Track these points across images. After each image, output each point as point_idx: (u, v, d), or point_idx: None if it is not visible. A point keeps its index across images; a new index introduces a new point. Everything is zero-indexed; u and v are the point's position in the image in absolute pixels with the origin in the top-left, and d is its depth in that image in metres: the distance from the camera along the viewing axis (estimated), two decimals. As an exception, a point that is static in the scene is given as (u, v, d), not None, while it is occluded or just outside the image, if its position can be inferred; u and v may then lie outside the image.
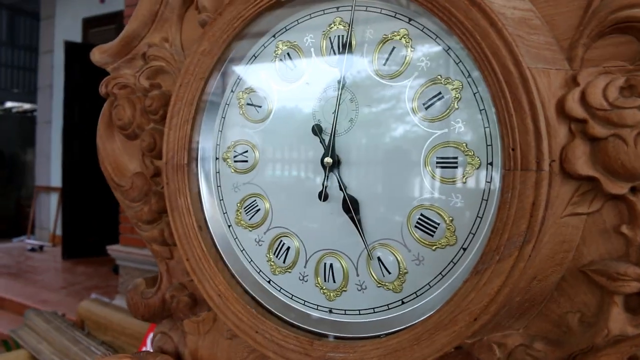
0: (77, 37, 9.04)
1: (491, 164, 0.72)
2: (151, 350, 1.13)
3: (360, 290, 0.84)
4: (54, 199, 9.53)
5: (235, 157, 0.96)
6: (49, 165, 9.55)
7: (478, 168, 0.73)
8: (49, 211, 9.69)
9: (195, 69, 0.93)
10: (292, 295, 0.90)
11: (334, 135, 0.83)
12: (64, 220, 8.23)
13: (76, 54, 7.98)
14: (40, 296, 6.38)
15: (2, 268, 7.79)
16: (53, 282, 7.11)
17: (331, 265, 0.86)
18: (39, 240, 9.76)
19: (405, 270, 0.79)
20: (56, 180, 9.22)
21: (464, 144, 0.74)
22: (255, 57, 0.94)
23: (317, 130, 0.85)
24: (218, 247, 0.96)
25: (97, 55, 1.17)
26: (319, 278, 0.88)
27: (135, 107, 1.10)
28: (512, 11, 0.70)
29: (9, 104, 13.88)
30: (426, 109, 0.77)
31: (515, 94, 0.65)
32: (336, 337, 0.84)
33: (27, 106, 13.32)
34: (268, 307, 0.91)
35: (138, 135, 1.11)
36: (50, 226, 9.64)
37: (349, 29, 0.82)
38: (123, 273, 5.46)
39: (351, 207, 0.82)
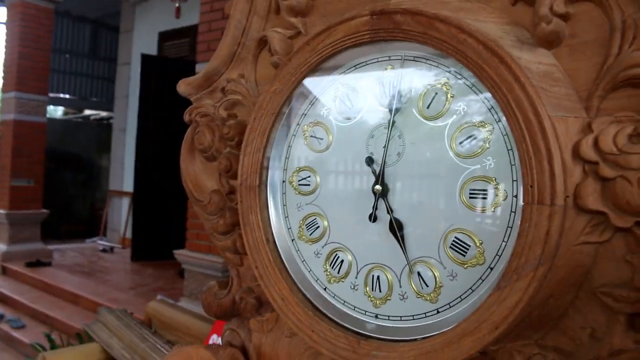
0: (153, 49, 9.56)
1: (516, 196, 0.84)
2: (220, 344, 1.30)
3: (402, 300, 0.97)
4: (125, 203, 10.07)
5: (299, 181, 1.12)
6: (123, 171, 10.13)
7: (505, 200, 0.86)
8: (120, 215, 10.25)
9: (268, 105, 1.10)
10: (345, 301, 1.05)
11: (383, 167, 0.98)
12: (134, 224, 8.68)
13: (152, 66, 8.42)
14: (110, 295, 6.78)
15: (76, 267, 8.32)
16: (122, 282, 7.53)
17: (378, 277, 1.00)
18: (110, 242, 10.32)
19: (440, 284, 0.93)
20: (128, 185, 9.76)
21: (494, 179, 0.87)
22: (319, 96, 1.10)
23: (369, 161, 1.00)
24: (282, 257, 1.12)
25: (183, 87, 1.36)
26: (367, 287, 1.02)
27: (215, 134, 1.28)
28: (537, 66, 0.83)
29: (87, 112, 14.77)
30: (462, 146, 0.90)
31: (535, 140, 0.77)
32: (379, 339, 0.98)
33: (103, 114, 14.14)
34: (323, 310, 1.06)
35: (216, 157, 1.29)
36: (121, 229, 10.19)
37: (399, 77, 0.97)
38: (188, 277, 5.74)
39: (396, 228, 0.96)
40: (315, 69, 1.05)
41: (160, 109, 8.37)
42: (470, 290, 0.89)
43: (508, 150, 0.85)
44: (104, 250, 9.63)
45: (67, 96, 13.25)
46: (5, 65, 8.54)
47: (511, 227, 0.85)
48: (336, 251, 1.07)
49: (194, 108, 1.33)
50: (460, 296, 0.90)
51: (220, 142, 1.28)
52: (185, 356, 1.16)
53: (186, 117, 1.34)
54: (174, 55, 9.37)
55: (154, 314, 4.44)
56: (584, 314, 0.83)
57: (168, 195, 8.47)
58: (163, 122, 8.41)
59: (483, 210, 0.88)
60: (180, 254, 5.73)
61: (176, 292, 6.80)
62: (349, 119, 1.06)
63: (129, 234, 9.50)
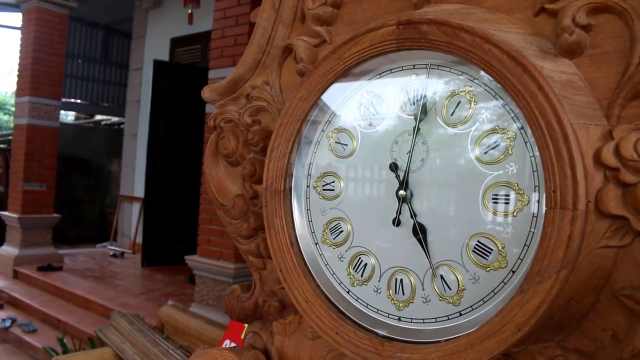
0: (164, 55, 9.65)
1: (538, 201, 0.87)
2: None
3: (425, 303, 1.00)
4: (135, 209, 10.14)
5: (323, 186, 1.15)
6: (133, 176, 10.20)
7: (527, 204, 0.88)
8: (130, 220, 10.31)
9: (294, 112, 1.13)
10: (368, 304, 1.08)
11: (407, 172, 1.01)
12: (144, 230, 8.74)
13: (163, 72, 8.49)
14: (120, 300, 6.83)
15: (86, 271, 8.38)
16: (133, 288, 7.58)
17: (401, 280, 1.03)
18: (121, 247, 10.38)
19: (463, 287, 0.95)
20: (139, 190, 9.83)
21: (516, 184, 0.89)
22: (344, 103, 1.13)
23: (393, 167, 1.03)
24: (306, 261, 1.15)
25: (207, 94, 1.39)
26: (390, 290, 1.04)
27: (239, 139, 1.31)
28: (559, 75, 0.86)
29: (98, 117, 14.90)
30: (485, 153, 0.93)
31: (557, 147, 0.80)
32: (403, 341, 1.00)
33: (114, 119, 14.25)
34: (347, 313, 1.08)
35: (240, 163, 1.32)
36: (131, 234, 10.25)
37: (423, 84, 1.00)
38: (199, 282, 5.78)
39: (420, 232, 0.99)
40: (341, 77, 1.08)
41: (171, 115, 8.44)
42: (493, 293, 0.92)
43: (530, 156, 0.88)
44: (114, 255, 9.68)
45: (79, 101, 13.38)
46: (19, 70, 8.66)
47: (533, 232, 0.87)
48: (359, 255, 1.09)
49: (219, 114, 1.36)
50: (482, 299, 0.93)
51: (245, 147, 1.31)
52: (210, 357, 1.18)
53: (211, 123, 1.37)
54: (186, 61, 9.46)
55: (166, 319, 4.46)
56: (605, 317, 0.85)
57: (178, 201, 8.52)
58: (174, 127, 8.48)
59: (505, 215, 0.90)
60: (191, 259, 5.77)
61: (186, 297, 6.83)
62: (373, 125, 1.09)
63: (139, 239, 9.56)
